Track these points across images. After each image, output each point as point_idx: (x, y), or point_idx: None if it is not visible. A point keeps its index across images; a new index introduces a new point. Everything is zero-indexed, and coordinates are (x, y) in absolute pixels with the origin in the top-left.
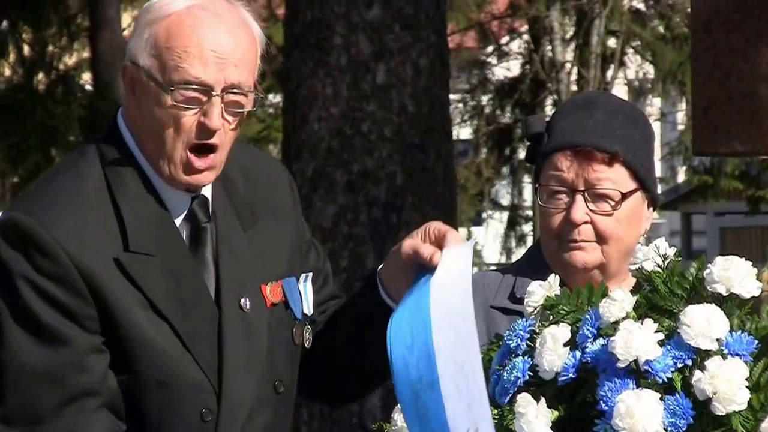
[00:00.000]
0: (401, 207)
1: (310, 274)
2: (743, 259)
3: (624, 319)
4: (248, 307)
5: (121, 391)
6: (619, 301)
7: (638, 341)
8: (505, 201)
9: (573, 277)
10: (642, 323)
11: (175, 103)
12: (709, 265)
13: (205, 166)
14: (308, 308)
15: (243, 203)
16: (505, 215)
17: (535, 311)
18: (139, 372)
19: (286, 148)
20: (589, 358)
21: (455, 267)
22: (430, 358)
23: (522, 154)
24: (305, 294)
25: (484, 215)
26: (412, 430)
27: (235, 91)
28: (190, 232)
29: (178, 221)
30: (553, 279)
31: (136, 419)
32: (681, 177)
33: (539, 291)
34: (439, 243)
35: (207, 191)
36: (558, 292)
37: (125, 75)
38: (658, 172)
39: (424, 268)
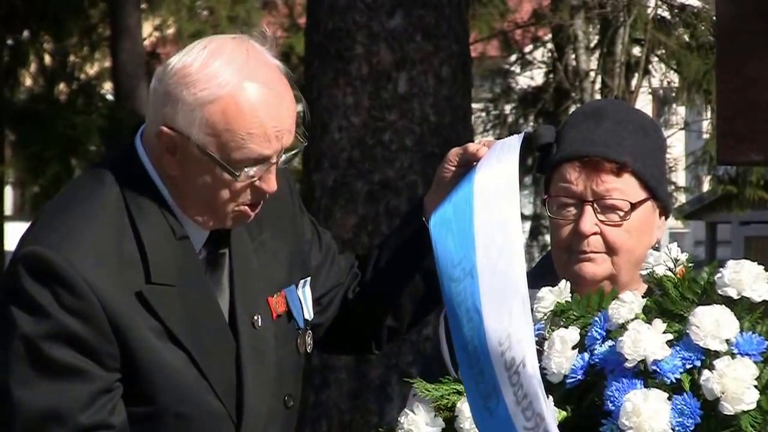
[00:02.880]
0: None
1: (308, 279)
2: None
3: (633, 320)
4: (260, 323)
5: (140, 423)
6: (628, 303)
7: (646, 341)
8: (528, 211)
9: (583, 288)
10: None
11: (239, 183)
12: (720, 269)
13: (253, 216)
14: (309, 313)
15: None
16: (528, 225)
17: (545, 317)
18: (158, 404)
19: (306, 158)
20: (597, 360)
21: (501, 155)
22: (468, 243)
23: None
24: (304, 299)
25: None
26: (451, 322)
27: (288, 152)
28: (207, 257)
29: (197, 247)
30: (564, 285)
31: None
32: (705, 186)
33: (549, 297)
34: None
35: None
36: (569, 298)
37: (162, 138)
38: (682, 181)
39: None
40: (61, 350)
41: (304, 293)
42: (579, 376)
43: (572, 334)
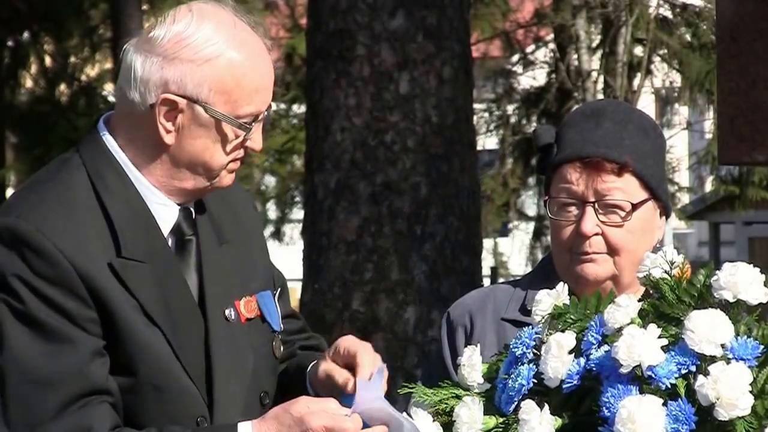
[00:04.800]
0: (425, 218)
1: (278, 290)
2: None
3: (628, 325)
4: (232, 317)
5: (121, 394)
6: (623, 307)
7: (641, 347)
8: (531, 211)
9: (585, 289)
10: (646, 328)
11: (236, 141)
12: (716, 271)
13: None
14: (279, 325)
15: (216, 219)
16: (531, 225)
17: (543, 320)
18: (137, 376)
19: (308, 159)
20: (593, 365)
21: (370, 401)
22: None
23: None
24: (276, 310)
25: (510, 226)
26: None
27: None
28: (175, 243)
29: (165, 232)
30: (561, 288)
31: (134, 425)
32: (708, 186)
33: (547, 300)
34: (351, 362)
35: (190, 205)
36: (566, 301)
37: (163, 105)
38: (685, 181)
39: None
40: (46, 316)
41: (276, 304)
42: (575, 382)
43: (568, 338)
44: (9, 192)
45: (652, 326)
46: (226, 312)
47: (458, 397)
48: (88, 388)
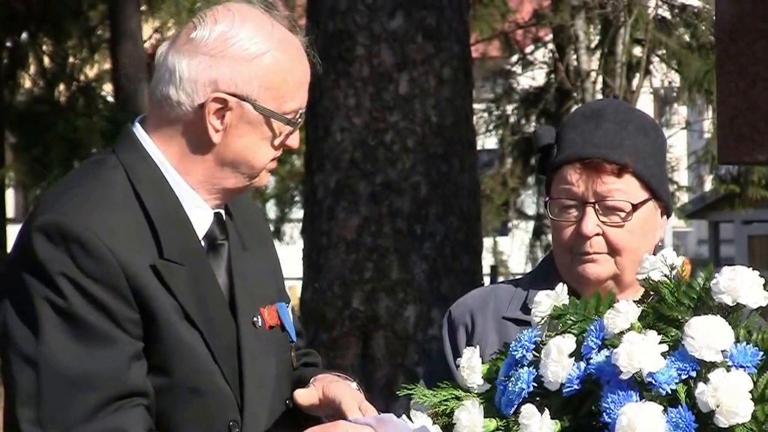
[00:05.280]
0: (425, 218)
1: (290, 304)
2: None
3: (628, 330)
4: (259, 323)
5: (156, 395)
6: (623, 313)
7: (641, 353)
8: (531, 211)
9: (586, 288)
10: (646, 334)
11: (279, 139)
12: (716, 275)
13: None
14: (294, 336)
15: (239, 226)
16: (531, 225)
17: (542, 321)
18: (174, 377)
19: (308, 159)
20: (593, 370)
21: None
22: None
23: None
24: (292, 322)
25: (509, 225)
26: None
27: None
28: (207, 246)
29: (199, 235)
30: (561, 288)
31: (165, 427)
32: (708, 186)
33: (546, 301)
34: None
35: (222, 209)
36: (566, 302)
37: (213, 104)
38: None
39: None
40: (88, 315)
41: (292, 317)
42: (575, 386)
43: (568, 342)
44: (9, 192)
45: (652, 332)
46: (254, 319)
47: (458, 398)
48: (125, 391)
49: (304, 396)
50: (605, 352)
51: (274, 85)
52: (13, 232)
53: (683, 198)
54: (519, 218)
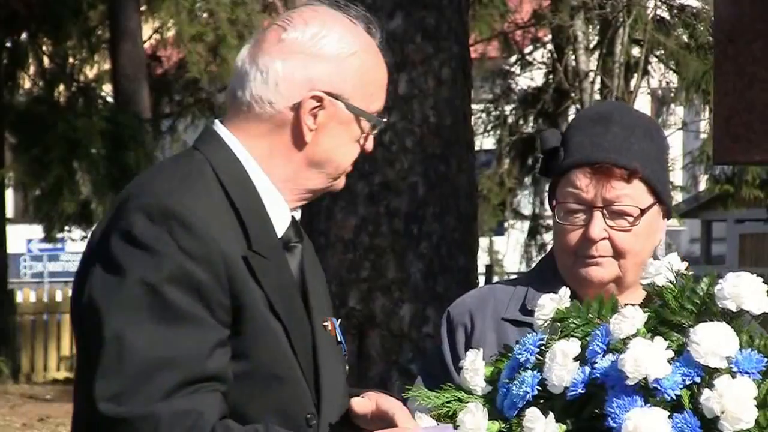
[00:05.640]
0: (423, 218)
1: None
2: (761, 267)
3: (634, 336)
4: (329, 327)
5: (235, 380)
6: (629, 318)
7: (648, 360)
8: (527, 210)
9: (588, 290)
10: (652, 340)
11: (363, 138)
12: (720, 280)
13: None
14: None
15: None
16: (527, 224)
17: (545, 324)
18: (256, 363)
19: None
20: (598, 374)
21: None
22: None
23: None
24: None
25: (505, 224)
26: None
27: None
28: (283, 245)
29: (278, 234)
30: (564, 292)
31: (242, 413)
32: (702, 185)
33: (550, 304)
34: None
35: (297, 214)
36: (568, 305)
37: (311, 101)
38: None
39: None
40: (180, 295)
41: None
42: (580, 390)
43: (573, 346)
44: (9, 192)
45: (659, 339)
46: (324, 322)
47: (460, 401)
48: (205, 375)
49: (361, 405)
50: (610, 357)
51: (364, 84)
52: (13, 232)
53: (677, 198)
54: (515, 218)
